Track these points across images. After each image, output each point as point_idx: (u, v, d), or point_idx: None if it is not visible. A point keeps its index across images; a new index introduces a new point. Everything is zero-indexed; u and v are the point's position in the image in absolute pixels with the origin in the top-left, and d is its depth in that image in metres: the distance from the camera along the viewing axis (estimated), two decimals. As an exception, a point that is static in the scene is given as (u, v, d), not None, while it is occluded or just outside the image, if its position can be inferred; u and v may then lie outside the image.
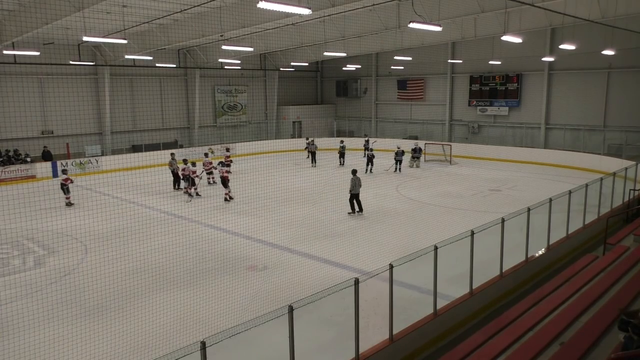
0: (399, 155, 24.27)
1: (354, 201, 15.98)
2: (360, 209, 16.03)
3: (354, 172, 16.16)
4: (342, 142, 27.30)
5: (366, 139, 28.86)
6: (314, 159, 26.85)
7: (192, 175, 19.13)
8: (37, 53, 21.40)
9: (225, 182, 18.38)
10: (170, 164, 20.98)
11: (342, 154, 26.67)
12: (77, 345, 7.83)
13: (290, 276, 10.44)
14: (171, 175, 21.04)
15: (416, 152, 26.28)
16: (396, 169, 24.45)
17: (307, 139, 29.36)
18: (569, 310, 7.56)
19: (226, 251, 12.51)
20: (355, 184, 15.85)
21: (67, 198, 18.24)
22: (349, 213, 15.93)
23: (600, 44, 23.27)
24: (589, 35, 24.00)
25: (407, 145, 27.45)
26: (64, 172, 18.86)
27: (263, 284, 10.49)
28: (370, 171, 23.89)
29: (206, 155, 22.65)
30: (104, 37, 18.99)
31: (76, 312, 9.24)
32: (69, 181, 18.22)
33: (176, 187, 20.73)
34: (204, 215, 15.88)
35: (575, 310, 7.52)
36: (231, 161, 22.77)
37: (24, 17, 16.91)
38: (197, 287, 10.29)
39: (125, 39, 18.47)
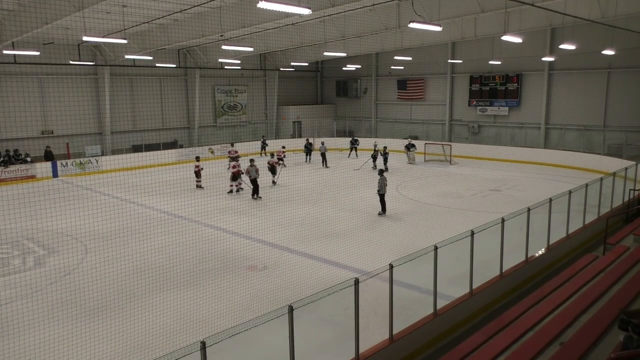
0: (375, 152, 25.55)
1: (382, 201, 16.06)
2: (384, 210, 16.08)
3: (381, 172, 16.34)
4: (307, 139, 29.28)
5: (353, 138, 30.97)
6: (324, 160, 26.76)
7: (275, 165, 21.43)
8: (37, 53, 21.39)
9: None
10: (248, 172, 18.68)
11: (308, 152, 28.49)
12: (77, 345, 7.83)
13: (290, 276, 10.43)
14: (250, 184, 18.68)
15: (410, 148, 27.63)
16: (374, 166, 24.99)
17: (322, 142, 29.04)
18: (569, 310, 7.56)
19: (226, 251, 12.51)
20: (383, 184, 15.92)
21: (199, 182, 20.63)
22: (379, 214, 15.95)
23: (600, 44, 23.27)
24: (589, 35, 24.01)
25: (383, 143, 28.03)
26: (197, 159, 20.88)
27: (263, 284, 10.50)
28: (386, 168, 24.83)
29: (232, 145, 24.09)
30: (104, 37, 18.99)
31: (76, 312, 9.24)
32: (200, 168, 20.58)
33: (255, 196, 18.55)
34: (204, 215, 15.88)
35: (575, 310, 7.52)
36: (285, 155, 24.69)
37: (24, 17, 16.90)
38: (197, 287, 10.29)
39: (125, 39, 18.49)
